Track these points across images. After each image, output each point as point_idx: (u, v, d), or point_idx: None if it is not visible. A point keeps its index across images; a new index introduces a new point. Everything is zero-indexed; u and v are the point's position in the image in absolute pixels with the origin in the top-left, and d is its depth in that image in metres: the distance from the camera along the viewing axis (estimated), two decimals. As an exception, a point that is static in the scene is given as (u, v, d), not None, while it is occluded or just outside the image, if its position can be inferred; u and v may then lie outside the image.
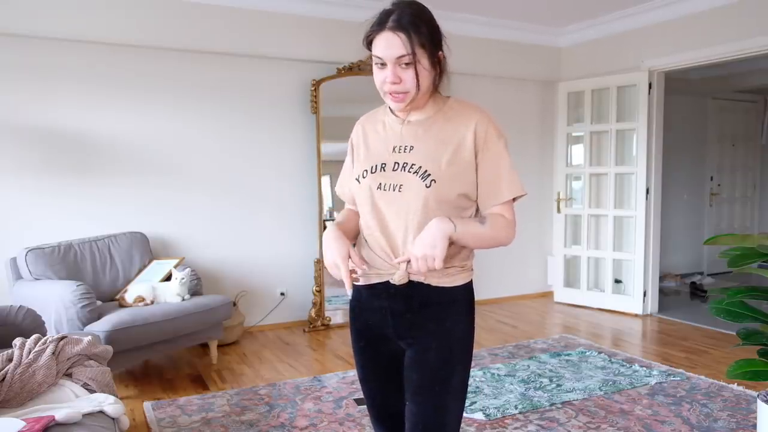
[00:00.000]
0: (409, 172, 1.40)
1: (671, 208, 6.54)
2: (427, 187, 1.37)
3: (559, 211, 5.52)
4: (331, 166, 4.60)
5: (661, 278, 5.97)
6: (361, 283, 1.47)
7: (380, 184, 1.42)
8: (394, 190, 1.40)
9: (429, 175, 1.37)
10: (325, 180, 4.64)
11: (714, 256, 6.84)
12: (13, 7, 3.63)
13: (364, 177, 1.44)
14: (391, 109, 1.48)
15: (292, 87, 4.57)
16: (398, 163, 1.41)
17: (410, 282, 1.40)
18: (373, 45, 1.38)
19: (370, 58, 1.43)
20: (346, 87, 4.58)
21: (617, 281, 5.25)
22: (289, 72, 4.55)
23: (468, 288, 1.47)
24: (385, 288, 1.43)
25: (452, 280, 1.42)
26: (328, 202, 4.72)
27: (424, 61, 1.36)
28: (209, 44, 4.21)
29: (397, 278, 1.38)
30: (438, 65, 1.41)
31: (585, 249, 5.36)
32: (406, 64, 1.35)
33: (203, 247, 4.34)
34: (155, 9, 4.02)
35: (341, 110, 4.64)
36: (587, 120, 5.28)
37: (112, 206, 4.03)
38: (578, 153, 5.46)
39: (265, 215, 4.56)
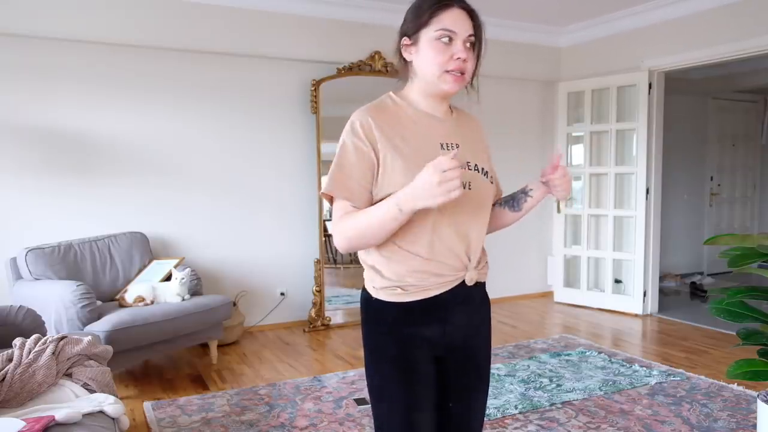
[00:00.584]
0: (469, 169, 1.36)
1: (671, 208, 6.54)
2: (492, 183, 1.43)
3: (559, 211, 5.39)
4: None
5: (661, 278, 5.97)
6: (410, 299, 1.33)
7: None
8: (465, 188, 1.32)
9: (488, 172, 1.42)
10: (325, 180, 4.63)
11: (714, 256, 6.84)
12: (13, 7, 3.62)
13: None
14: (395, 104, 1.39)
15: (292, 87, 4.57)
16: None
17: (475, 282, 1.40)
18: (438, 19, 1.30)
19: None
20: (346, 87, 4.58)
21: (617, 281, 5.25)
22: (289, 72, 4.55)
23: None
24: (452, 295, 1.36)
25: (486, 273, 1.47)
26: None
27: (478, 51, 1.36)
28: (209, 44, 4.21)
29: (472, 278, 1.38)
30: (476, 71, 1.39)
31: (585, 249, 5.36)
32: (471, 45, 1.33)
33: (203, 247, 4.34)
34: (155, 9, 4.02)
35: (341, 110, 4.64)
36: (587, 120, 5.28)
37: (112, 206, 4.03)
38: (578, 153, 5.46)
39: (265, 215, 4.56)
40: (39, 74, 3.78)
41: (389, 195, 1.27)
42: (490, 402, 3.04)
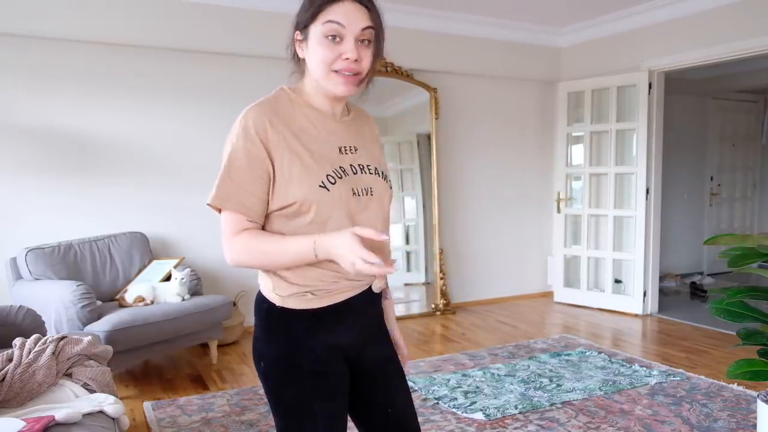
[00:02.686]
0: (369, 173, 1.30)
1: (671, 208, 6.54)
2: (390, 188, 1.37)
3: (559, 211, 5.51)
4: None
5: (661, 278, 5.97)
6: (322, 304, 1.26)
7: (353, 189, 1.25)
8: (366, 194, 1.27)
9: (386, 176, 1.36)
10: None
11: (714, 256, 6.84)
12: (13, 7, 3.62)
13: (332, 182, 1.22)
14: (291, 101, 1.29)
15: (292, 87, 4.56)
16: (354, 166, 1.27)
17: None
18: (327, 11, 1.18)
19: (295, 40, 1.26)
20: (346, 87, 4.57)
21: (617, 281, 5.25)
22: (289, 72, 4.53)
23: None
24: (362, 299, 1.31)
25: None
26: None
27: (376, 48, 1.24)
28: (209, 44, 4.21)
29: (379, 285, 1.35)
30: (373, 70, 1.27)
31: (585, 249, 5.36)
32: (367, 41, 1.20)
33: (203, 247, 4.33)
34: (155, 9, 4.02)
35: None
36: (587, 120, 5.28)
37: (112, 206, 4.02)
38: (578, 153, 5.46)
39: (265, 215, 4.55)
40: (39, 74, 3.78)
41: (288, 206, 1.21)
42: (490, 402, 3.04)
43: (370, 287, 1.33)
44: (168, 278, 3.64)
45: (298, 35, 1.26)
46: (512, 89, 5.57)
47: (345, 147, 1.28)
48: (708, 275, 6.72)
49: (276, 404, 1.29)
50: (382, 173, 1.34)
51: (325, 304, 1.26)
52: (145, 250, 3.92)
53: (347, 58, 1.18)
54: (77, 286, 3.11)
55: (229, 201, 1.20)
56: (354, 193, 1.25)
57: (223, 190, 1.20)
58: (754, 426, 2.70)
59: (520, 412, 2.91)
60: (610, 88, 5.08)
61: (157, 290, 3.50)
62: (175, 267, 3.68)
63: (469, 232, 5.44)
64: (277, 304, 1.26)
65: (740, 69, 6.02)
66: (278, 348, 1.27)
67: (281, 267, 1.23)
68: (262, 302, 1.31)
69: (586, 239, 5.34)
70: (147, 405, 3.07)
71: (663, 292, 5.68)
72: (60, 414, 1.73)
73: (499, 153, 5.57)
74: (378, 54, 1.25)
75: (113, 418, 1.93)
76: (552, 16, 5.14)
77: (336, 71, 1.20)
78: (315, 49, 1.20)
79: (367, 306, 1.34)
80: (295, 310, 1.25)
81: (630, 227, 5.12)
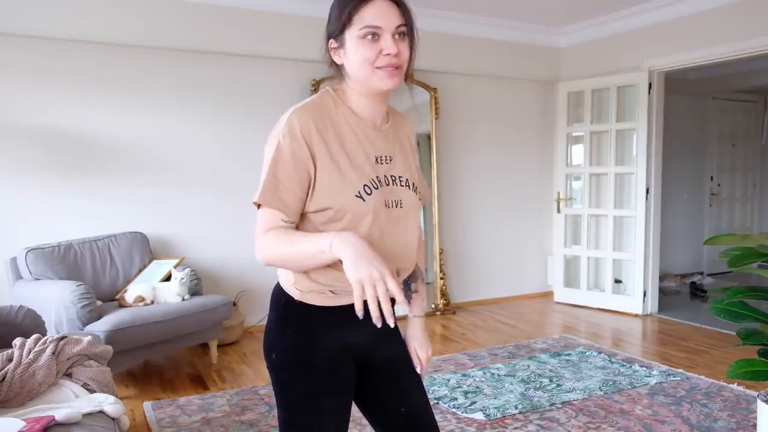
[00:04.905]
0: (401, 185, 1.32)
1: (671, 208, 6.54)
2: (420, 200, 1.37)
3: (559, 211, 5.51)
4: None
5: (661, 278, 5.97)
6: (340, 302, 1.28)
7: (386, 201, 1.27)
8: (396, 206, 1.29)
9: (416, 187, 1.36)
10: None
11: (714, 256, 6.84)
12: (13, 7, 3.62)
13: (368, 193, 1.24)
14: (336, 106, 1.30)
15: (292, 87, 4.57)
16: (388, 177, 1.30)
17: None
18: (361, 15, 1.21)
19: (329, 48, 1.28)
20: (346, 87, 4.58)
21: (617, 281, 5.25)
22: (289, 72, 4.55)
23: None
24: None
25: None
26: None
27: (411, 39, 1.27)
28: (209, 44, 4.21)
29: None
30: (412, 60, 1.30)
31: (585, 249, 5.36)
32: (402, 35, 1.23)
33: (203, 247, 4.33)
34: (156, 9, 4.02)
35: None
36: (587, 120, 5.28)
37: (112, 206, 4.02)
38: (578, 153, 5.46)
39: (265, 215, 4.55)
40: (39, 74, 3.78)
41: (323, 210, 1.23)
42: (490, 402, 3.04)
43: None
44: (168, 278, 3.64)
45: (333, 43, 1.28)
46: (512, 89, 5.57)
47: (381, 157, 1.30)
48: (708, 275, 6.72)
49: (283, 397, 1.30)
50: (413, 185, 1.35)
51: (343, 303, 1.27)
52: (145, 250, 3.92)
53: (388, 54, 1.21)
54: (77, 286, 3.11)
55: (273, 199, 1.22)
56: (386, 205, 1.27)
57: (268, 188, 1.22)
58: (754, 426, 2.70)
59: (520, 412, 2.91)
60: (610, 88, 5.08)
61: (157, 290, 3.50)
62: (175, 267, 3.68)
63: (469, 232, 5.44)
64: (296, 298, 1.29)
65: (740, 69, 6.02)
66: (292, 341, 1.29)
67: (299, 263, 1.23)
68: (280, 295, 1.33)
69: (586, 239, 5.34)
70: (147, 405, 3.07)
71: (663, 292, 5.68)
72: (60, 414, 1.73)
73: (499, 153, 5.56)
74: (413, 44, 1.28)
75: (113, 418, 1.93)
76: (552, 16, 5.14)
77: (379, 68, 1.22)
78: (355, 52, 1.23)
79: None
80: (313, 305, 1.27)
81: (630, 227, 5.12)
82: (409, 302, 1.39)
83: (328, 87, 1.32)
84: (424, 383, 3.27)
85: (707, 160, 7.00)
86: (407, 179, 1.34)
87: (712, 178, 7.06)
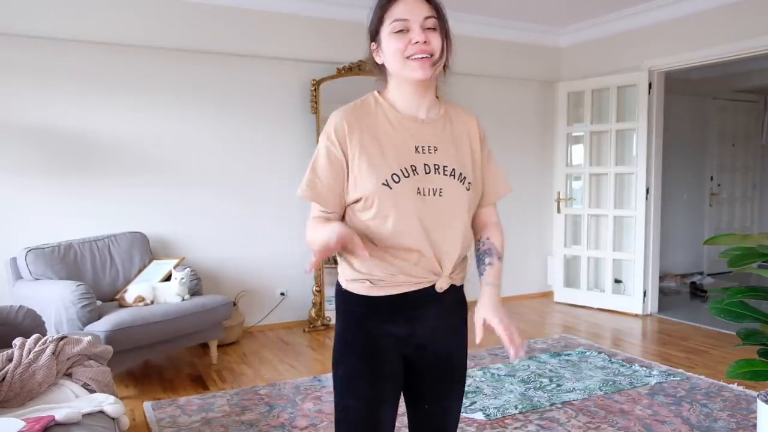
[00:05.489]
0: (444, 174, 1.34)
1: (671, 208, 6.54)
2: (468, 190, 1.38)
3: (559, 211, 5.51)
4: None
5: (661, 278, 5.97)
6: (378, 293, 1.34)
7: (419, 188, 1.31)
8: (434, 194, 1.32)
9: (465, 178, 1.38)
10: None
11: (714, 256, 6.84)
12: (13, 7, 3.62)
13: (396, 181, 1.30)
14: (377, 104, 1.39)
15: (292, 87, 4.57)
16: (429, 165, 1.33)
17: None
18: (391, 12, 1.31)
19: (371, 51, 1.38)
20: (346, 87, 4.58)
21: (617, 281, 5.25)
22: (289, 72, 4.55)
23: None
24: (421, 295, 1.35)
25: (465, 278, 1.46)
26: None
27: (443, 31, 1.34)
28: (209, 44, 4.21)
29: (442, 286, 1.37)
30: (447, 51, 1.37)
31: (585, 249, 5.36)
32: (431, 28, 1.31)
33: (203, 247, 4.34)
34: (156, 9, 4.02)
35: (341, 110, 4.64)
36: (587, 120, 5.28)
37: (112, 206, 4.02)
38: (578, 153, 5.46)
39: (265, 215, 4.56)
40: (39, 74, 3.78)
41: (357, 200, 1.33)
42: (490, 402, 3.04)
43: (434, 286, 1.36)
44: (168, 278, 3.64)
45: (373, 45, 1.40)
46: (512, 89, 5.57)
47: (423, 146, 1.35)
48: (708, 275, 6.72)
49: (333, 378, 1.42)
50: (460, 174, 1.36)
51: (381, 294, 1.34)
52: (145, 250, 3.92)
53: (416, 42, 1.29)
54: (77, 286, 3.11)
55: (310, 191, 1.34)
56: (419, 192, 1.31)
57: (306, 182, 1.35)
58: (754, 426, 2.70)
59: (520, 412, 2.91)
60: (610, 88, 5.08)
61: (157, 290, 3.50)
62: (175, 267, 3.68)
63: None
64: (344, 287, 1.40)
65: (740, 69, 6.02)
66: (340, 327, 1.41)
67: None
68: (337, 285, 1.44)
69: (586, 239, 5.34)
70: (147, 405, 3.07)
71: (663, 292, 5.68)
72: (60, 414, 1.73)
73: (498, 153, 5.47)
74: (447, 36, 1.35)
75: (113, 418, 1.93)
76: (552, 16, 5.14)
77: (409, 57, 1.30)
78: (388, 45, 1.32)
79: (429, 304, 1.37)
80: (356, 294, 1.37)
81: (630, 227, 5.12)
82: (481, 276, 1.44)
83: (375, 91, 1.44)
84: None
85: (707, 160, 6.99)
86: (454, 169, 1.36)
87: (712, 178, 7.06)
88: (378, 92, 1.42)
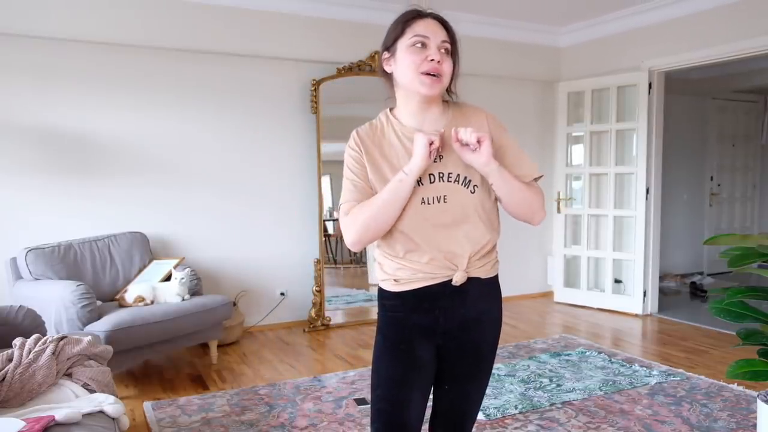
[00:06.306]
0: (449, 181, 1.44)
1: (671, 208, 6.54)
2: (472, 193, 1.45)
3: (559, 211, 5.51)
4: (331, 166, 4.61)
5: (661, 278, 5.97)
6: (402, 289, 1.47)
7: (423, 198, 1.43)
8: (438, 202, 1.43)
9: (471, 181, 1.45)
10: (325, 180, 4.64)
11: (714, 256, 6.84)
12: (13, 7, 3.62)
13: None
14: (388, 121, 1.52)
15: (292, 87, 4.57)
16: (434, 175, 1.44)
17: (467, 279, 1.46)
18: (414, 27, 1.42)
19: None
20: (346, 87, 4.58)
21: (617, 281, 5.25)
22: (289, 72, 4.55)
23: (497, 278, 1.57)
24: (442, 287, 1.45)
25: (494, 269, 1.52)
26: (327, 202, 4.72)
27: (454, 58, 1.46)
28: (209, 44, 4.21)
29: (458, 280, 1.44)
30: (454, 76, 1.49)
31: (585, 249, 5.36)
32: (446, 51, 1.43)
33: (203, 247, 4.34)
34: (155, 9, 4.02)
35: (341, 110, 4.64)
36: (587, 120, 5.28)
37: (112, 206, 4.02)
38: (578, 153, 5.46)
39: (266, 215, 4.56)
40: (40, 74, 3.78)
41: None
42: (490, 402, 3.04)
43: (451, 281, 1.45)
44: (168, 278, 3.64)
45: (386, 54, 1.49)
46: (512, 89, 5.57)
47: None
48: (708, 275, 6.72)
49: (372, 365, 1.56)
50: (465, 179, 1.45)
51: (405, 289, 1.47)
52: (145, 250, 3.92)
53: (432, 60, 1.40)
54: (77, 286, 3.11)
55: (352, 194, 1.47)
56: (423, 202, 1.43)
57: (347, 187, 1.48)
58: (754, 426, 2.70)
59: (520, 412, 2.91)
60: (610, 88, 5.08)
61: (157, 290, 3.50)
62: (175, 267, 3.68)
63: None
64: (379, 285, 1.55)
65: (740, 69, 6.02)
66: (379, 318, 1.56)
67: (385, 210, 1.40)
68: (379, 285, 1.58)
69: (586, 239, 5.34)
70: (147, 405, 3.07)
71: (663, 292, 5.68)
72: (60, 414, 1.73)
73: (499, 153, 5.55)
74: (456, 62, 1.47)
75: (113, 418, 1.93)
76: (552, 16, 5.14)
77: (422, 73, 1.41)
78: (404, 56, 1.43)
79: (451, 296, 1.46)
80: (387, 290, 1.51)
81: (630, 227, 5.12)
82: None
83: (387, 109, 1.57)
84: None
85: (707, 160, 7.00)
86: (458, 174, 1.45)
87: (712, 178, 7.06)
88: (390, 109, 1.54)
